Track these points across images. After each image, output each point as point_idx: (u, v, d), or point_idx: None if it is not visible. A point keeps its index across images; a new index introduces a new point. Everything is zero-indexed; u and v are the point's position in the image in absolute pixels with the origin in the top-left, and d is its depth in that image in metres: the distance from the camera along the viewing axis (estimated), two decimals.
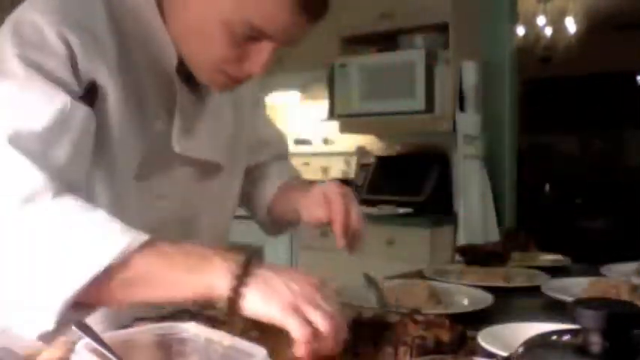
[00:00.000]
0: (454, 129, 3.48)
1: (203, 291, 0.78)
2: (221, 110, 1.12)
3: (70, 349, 0.70)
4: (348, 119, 3.89)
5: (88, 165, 0.90)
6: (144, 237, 0.77)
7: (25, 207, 0.78)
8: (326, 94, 3.99)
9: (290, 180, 1.33)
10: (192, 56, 0.95)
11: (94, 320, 0.76)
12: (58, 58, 0.86)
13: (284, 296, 0.76)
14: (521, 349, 0.58)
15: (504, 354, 0.77)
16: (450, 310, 1.12)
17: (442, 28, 3.51)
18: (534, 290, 1.34)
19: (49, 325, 0.76)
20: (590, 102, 7.33)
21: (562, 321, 0.92)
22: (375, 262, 3.33)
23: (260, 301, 0.76)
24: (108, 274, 0.75)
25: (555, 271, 1.54)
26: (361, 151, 4.19)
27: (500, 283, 1.37)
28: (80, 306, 0.77)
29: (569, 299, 1.14)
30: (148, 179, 1.00)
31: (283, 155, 1.38)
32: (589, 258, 1.75)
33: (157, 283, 0.78)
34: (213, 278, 0.77)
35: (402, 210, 3.50)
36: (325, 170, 4.42)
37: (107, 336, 0.68)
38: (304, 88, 4.30)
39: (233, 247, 0.87)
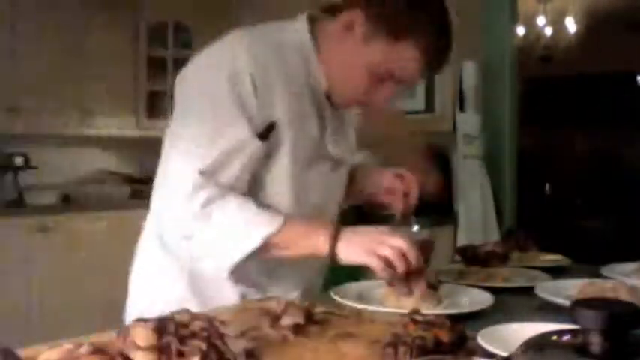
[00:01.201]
0: (454, 129, 3.48)
1: (312, 250, 1.18)
2: (347, 126, 1.39)
3: (71, 351, 0.73)
4: None
5: (250, 180, 1.23)
6: (280, 221, 1.17)
7: (205, 209, 1.15)
8: None
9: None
10: (336, 87, 1.25)
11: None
12: (252, 97, 1.18)
13: (363, 245, 1.15)
14: (521, 349, 0.58)
15: (504, 354, 0.77)
16: (451, 310, 1.12)
17: None
18: (534, 290, 1.34)
19: (226, 273, 1.20)
20: (590, 102, 7.33)
21: (563, 321, 0.92)
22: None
23: (348, 251, 1.15)
24: (262, 245, 1.15)
25: (555, 271, 1.54)
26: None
27: (500, 283, 1.37)
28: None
29: (562, 301, 1.14)
30: (308, 171, 1.29)
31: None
32: (589, 258, 1.75)
33: (288, 247, 1.19)
34: (318, 241, 1.17)
35: None
36: None
37: None
38: None
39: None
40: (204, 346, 0.74)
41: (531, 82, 7.01)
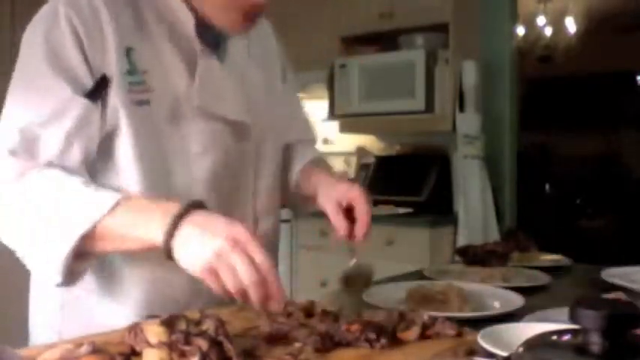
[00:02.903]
0: (454, 129, 3.48)
1: (147, 244, 0.91)
2: (248, 75, 1.18)
3: (71, 351, 0.73)
4: (348, 119, 3.89)
5: (86, 151, 1.00)
6: (108, 204, 0.92)
7: (18, 182, 0.94)
8: (326, 94, 3.99)
9: (318, 160, 1.39)
10: (206, 4, 1.04)
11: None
12: (73, 49, 0.98)
13: (201, 257, 0.86)
14: (521, 349, 0.58)
15: (504, 354, 0.77)
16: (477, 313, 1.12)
17: (442, 28, 3.51)
18: (534, 290, 1.34)
19: (58, 278, 0.93)
20: (591, 102, 7.33)
21: (563, 321, 0.92)
22: (375, 262, 3.33)
23: (183, 260, 0.88)
24: (85, 237, 0.92)
25: (555, 271, 1.55)
26: (361, 151, 4.19)
27: (500, 284, 1.37)
28: (78, 256, 0.93)
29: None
30: (176, 134, 1.06)
31: (313, 141, 1.44)
32: (589, 258, 1.75)
33: (117, 240, 0.93)
34: (151, 234, 0.90)
35: (401, 210, 3.50)
36: None
37: None
38: (304, 88, 4.30)
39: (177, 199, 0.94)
40: (205, 346, 0.75)
41: (531, 83, 7.02)
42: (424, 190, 3.62)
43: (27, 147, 0.96)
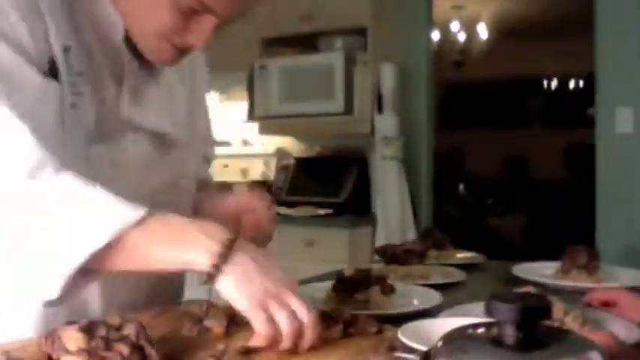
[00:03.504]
0: (372, 131, 3.54)
1: (182, 266, 0.85)
2: (175, 89, 1.15)
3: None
4: (268, 121, 3.89)
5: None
6: (136, 215, 0.83)
7: (30, 182, 0.83)
8: (245, 95, 3.97)
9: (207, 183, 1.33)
10: (138, 26, 0.98)
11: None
12: (25, 36, 0.90)
13: (255, 290, 0.83)
14: (440, 343, 0.61)
15: (424, 348, 0.79)
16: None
17: (361, 32, 3.56)
18: (451, 287, 1.38)
19: (54, 294, 0.82)
20: (501, 104, 7.63)
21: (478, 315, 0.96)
22: (294, 264, 3.34)
23: (232, 289, 0.83)
24: (104, 250, 0.81)
25: (470, 268, 1.61)
26: (281, 153, 4.20)
27: (419, 281, 1.41)
28: (85, 273, 0.83)
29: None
30: (102, 144, 1.00)
31: (210, 159, 1.37)
32: (501, 255, 1.83)
33: (143, 257, 0.84)
34: (193, 255, 0.84)
35: (321, 211, 3.53)
36: (244, 172, 4.40)
37: None
38: (224, 89, 4.26)
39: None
40: (126, 351, 0.73)
41: (447, 86, 7.23)
42: (343, 191, 3.66)
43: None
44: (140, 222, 0.83)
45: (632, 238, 3.03)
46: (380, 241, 3.26)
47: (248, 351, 0.87)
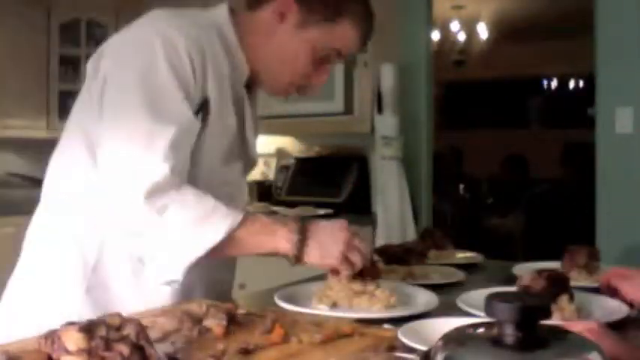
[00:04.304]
0: (372, 130, 3.54)
1: (271, 250, 1.13)
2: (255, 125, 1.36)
3: None
4: (268, 121, 3.88)
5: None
6: (239, 217, 1.09)
7: (154, 196, 1.04)
8: None
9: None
10: (271, 74, 1.24)
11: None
12: (188, 75, 1.11)
13: (333, 249, 1.13)
14: (440, 343, 0.60)
15: (424, 348, 0.79)
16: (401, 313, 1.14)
17: None
18: (451, 286, 1.38)
19: (178, 276, 1.08)
20: (501, 105, 7.63)
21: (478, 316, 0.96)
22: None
23: (317, 255, 1.12)
24: (223, 240, 1.07)
25: (470, 268, 1.61)
26: (280, 153, 4.20)
27: (419, 281, 1.41)
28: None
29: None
30: (228, 166, 1.24)
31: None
32: (501, 255, 1.83)
33: (246, 245, 1.12)
34: (278, 241, 1.12)
35: (321, 211, 3.53)
36: None
37: None
38: None
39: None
40: (126, 351, 0.73)
41: (447, 86, 7.23)
42: (343, 191, 3.66)
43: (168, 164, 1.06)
44: (242, 222, 1.09)
45: (632, 238, 3.03)
46: (380, 241, 3.26)
47: (248, 351, 0.87)
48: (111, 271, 1.16)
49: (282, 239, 1.12)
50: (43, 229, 1.22)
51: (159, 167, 1.04)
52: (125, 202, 1.05)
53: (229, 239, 1.08)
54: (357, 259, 1.14)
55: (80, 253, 1.16)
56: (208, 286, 1.26)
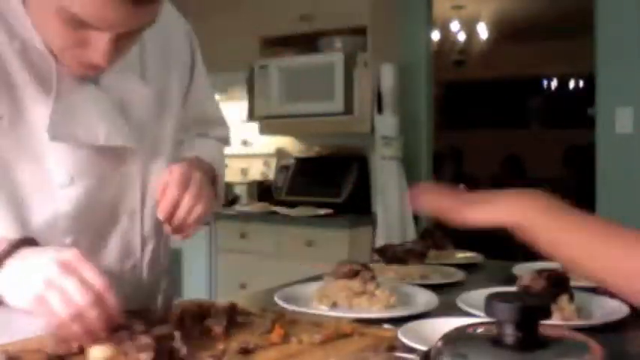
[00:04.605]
0: (372, 130, 3.54)
1: None
2: (131, 92, 1.07)
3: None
4: (268, 121, 3.89)
5: None
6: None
7: None
8: (246, 95, 3.98)
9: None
10: (44, 38, 0.93)
11: None
12: None
13: (32, 286, 0.81)
14: (440, 343, 0.60)
15: (424, 348, 0.79)
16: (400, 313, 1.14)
17: (361, 32, 3.56)
18: (451, 286, 1.38)
19: None
20: (500, 104, 7.63)
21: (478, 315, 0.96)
22: (295, 264, 3.35)
23: (13, 295, 0.84)
24: None
25: (470, 268, 1.61)
26: (280, 153, 4.20)
27: (419, 281, 1.41)
28: None
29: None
30: (37, 159, 0.97)
31: (225, 139, 1.36)
32: (501, 255, 1.83)
33: None
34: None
35: (321, 211, 3.53)
36: (244, 172, 4.40)
37: None
38: (224, 89, 4.26)
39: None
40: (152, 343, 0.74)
41: (447, 86, 7.23)
42: (343, 191, 3.66)
43: None
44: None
45: None
46: (380, 241, 3.26)
47: (248, 351, 0.87)
48: None
49: None
50: None
51: None
52: None
53: None
54: (59, 305, 0.81)
55: None
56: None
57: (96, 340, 0.81)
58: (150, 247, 1.15)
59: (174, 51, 1.19)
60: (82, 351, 0.81)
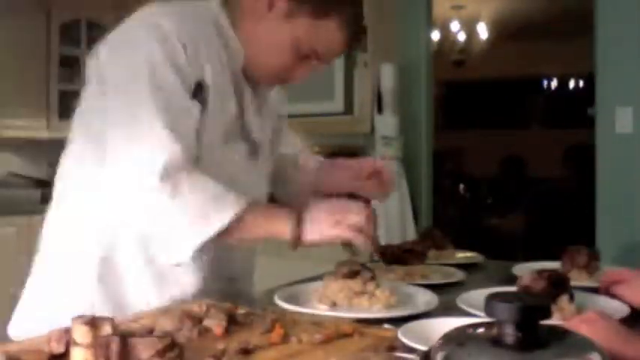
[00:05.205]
0: (372, 130, 3.54)
1: (272, 233, 1.15)
2: (268, 107, 1.36)
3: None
4: None
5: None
6: (245, 201, 1.11)
7: (167, 177, 1.07)
8: None
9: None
10: (258, 60, 1.23)
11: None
12: (182, 62, 1.13)
13: (328, 221, 1.14)
14: (440, 343, 0.60)
15: (424, 348, 0.79)
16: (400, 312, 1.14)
17: (360, 31, 3.55)
18: (451, 286, 1.39)
19: (186, 258, 1.10)
20: (501, 105, 7.63)
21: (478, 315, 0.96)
22: (297, 264, 3.34)
23: (314, 231, 1.13)
24: (230, 224, 1.10)
25: (470, 268, 1.61)
26: None
27: (419, 281, 1.41)
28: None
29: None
30: (228, 145, 1.24)
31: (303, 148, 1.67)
32: (501, 255, 1.83)
33: (251, 229, 1.14)
34: (277, 224, 1.15)
35: None
36: None
37: None
38: None
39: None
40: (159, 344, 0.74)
41: (447, 86, 7.23)
42: None
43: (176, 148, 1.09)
44: (248, 207, 1.11)
45: (632, 238, 3.03)
46: (380, 241, 3.26)
47: (248, 351, 0.87)
48: (123, 261, 1.19)
49: (280, 222, 1.14)
50: (55, 226, 1.26)
51: (171, 148, 1.08)
52: (139, 184, 1.08)
53: (236, 222, 1.10)
54: (356, 222, 1.13)
55: (92, 245, 1.19)
56: (222, 282, 1.28)
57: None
58: None
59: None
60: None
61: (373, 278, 1.23)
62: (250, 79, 1.27)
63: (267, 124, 1.36)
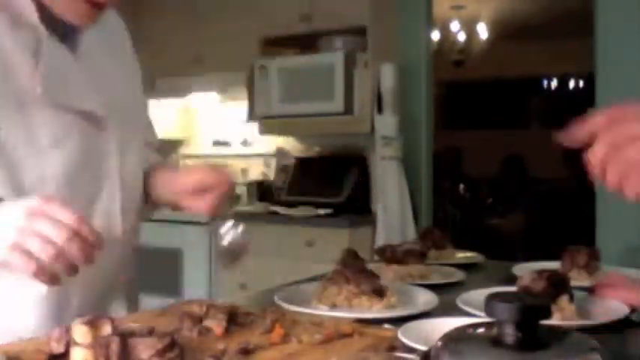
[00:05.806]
0: (372, 130, 3.54)
1: None
2: (105, 69, 1.13)
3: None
4: (268, 121, 3.88)
5: None
6: None
7: None
8: (245, 95, 3.97)
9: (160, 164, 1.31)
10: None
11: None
12: None
13: (6, 237, 0.82)
14: (439, 343, 0.60)
15: (424, 348, 0.79)
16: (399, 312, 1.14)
17: (361, 32, 3.56)
18: (451, 286, 1.38)
19: None
20: (501, 105, 7.63)
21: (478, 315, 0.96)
22: (295, 264, 3.35)
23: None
24: None
25: (470, 268, 1.61)
26: (281, 153, 4.19)
27: (419, 281, 1.41)
28: None
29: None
30: (25, 120, 0.99)
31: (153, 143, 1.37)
32: (501, 255, 1.83)
33: None
34: None
35: (321, 211, 3.53)
36: (244, 172, 4.40)
37: None
38: (223, 89, 4.27)
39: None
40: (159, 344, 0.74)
41: (447, 86, 7.23)
42: (343, 191, 3.66)
43: None
44: None
45: (632, 238, 3.03)
46: (380, 241, 3.26)
47: (248, 351, 0.87)
48: None
49: None
50: None
51: None
52: None
53: None
54: (38, 248, 0.82)
55: None
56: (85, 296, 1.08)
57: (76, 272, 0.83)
58: (126, 223, 1.14)
59: (128, 60, 1.25)
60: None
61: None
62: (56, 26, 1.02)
63: (114, 95, 1.13)
